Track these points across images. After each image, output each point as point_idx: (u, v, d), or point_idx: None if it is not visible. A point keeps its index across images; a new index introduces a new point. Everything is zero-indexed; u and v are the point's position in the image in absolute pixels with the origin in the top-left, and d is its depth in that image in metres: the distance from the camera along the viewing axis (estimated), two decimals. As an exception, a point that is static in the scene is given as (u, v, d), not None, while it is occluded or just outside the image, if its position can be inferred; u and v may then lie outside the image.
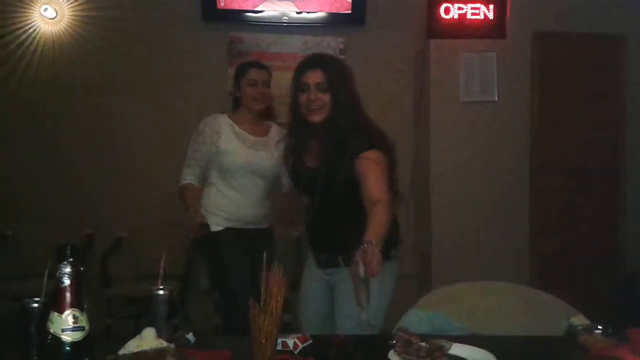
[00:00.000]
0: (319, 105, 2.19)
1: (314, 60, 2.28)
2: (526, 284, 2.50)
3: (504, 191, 4.09)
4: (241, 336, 1.50)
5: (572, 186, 4.15)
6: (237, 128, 2.95)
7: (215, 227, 2.92)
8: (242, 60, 4.27)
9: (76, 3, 4.28)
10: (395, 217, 2.26)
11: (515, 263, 4.00)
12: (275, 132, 3.01)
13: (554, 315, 1.81)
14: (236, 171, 2.89)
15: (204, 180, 2.94)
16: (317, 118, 2.21)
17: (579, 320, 1.70)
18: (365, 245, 1.86)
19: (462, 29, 4.16)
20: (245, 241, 2.95)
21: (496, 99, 4.10)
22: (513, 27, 4.17)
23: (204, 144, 2.93)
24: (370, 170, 2.13)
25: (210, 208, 2.95)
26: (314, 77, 2.20)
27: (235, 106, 2.99)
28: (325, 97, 2.19)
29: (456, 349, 1.52)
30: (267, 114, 3.09)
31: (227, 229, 2.93)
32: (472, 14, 4.18)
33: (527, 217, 4.13)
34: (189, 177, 2.92)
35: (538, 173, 4.14)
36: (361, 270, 1.75)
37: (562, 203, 4.15)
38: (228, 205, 2.91)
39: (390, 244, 2.14)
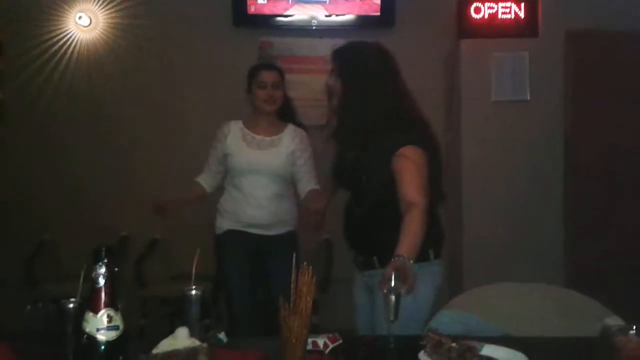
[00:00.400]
0: (334, 93, 2.18)
1: (335, 49, 2.28)
2: (560, 285, 2.47)
3: (537, 192, 4.03)
4: (272, 337, 1.52)
5: (607, 188, 4.06)
6: (245, 130, 2.99)
7: (217, 230, 3.03)
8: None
9: (110, 11, 4.36)
10: (438, 215, 2.19)
11: (549, 264, 3.93)
12: (289, 131, 3.02)
13: (588, 316, 1.78)
14: (240, 172, 2.94)
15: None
16: (332, 104, 2.19)
17: (614, 321, 1.67)
18: (396, 259, 1.82)
19: (493, 29, 4.13)
20: (251, 245, 2.97)
21: (528, 98, 4.05)
22: (545, 25, 4.11)
23: (214, 148, 3.03)
24: (406, 168, 2.03)
25: (220, 211, 3.04)
26: (332, 65, 2.22)
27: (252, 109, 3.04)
28: (338, 84, 2.16)
29: (488, 350, 1.51)
30: (286, 115, 3.08)
31: (230, 232, 2.98)
32: (503, 13, 4.14)
33: (561, 217, 4.07)
34: (198, 177, 3.06)
35: (572, 173, 4.07)
36: (390, 286, 1.68)
37: (596, 204, 4.06)
38: (231, 206, 2.97)
39: (429, 244, 2.06)
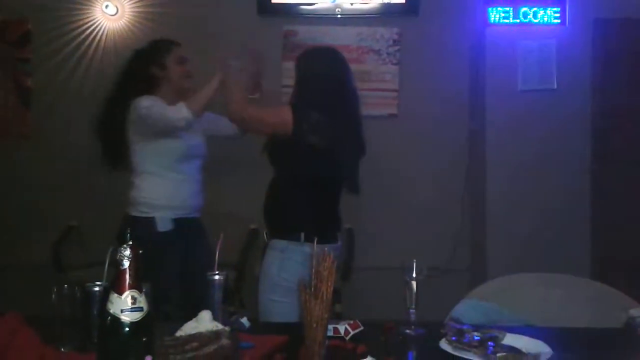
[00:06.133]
0: None
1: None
2: (585, 277, 2.45)
3: (563, 183, 3.98)
4: (293, 322, 1.54)
5: (634, 178, 4.00)
6: None
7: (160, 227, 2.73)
8: (297, 51, 4.33)
9: (136, 0, 4.40)
10: (320, 201, 2.43)
11: (575, 255, 3.89)
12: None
13: (612, 307, 1.77)
14: (180, 157, 2.79)
15: (134, 170, 2.80)
16: None
17: (639, 311, 1.66)
18: None
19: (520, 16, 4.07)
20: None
21: (555, 87, 4.00)
22: (572, 13, 4.04)
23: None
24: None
25: (155, 199, 2.77)
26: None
27: (147, 87, 2.80)
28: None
29: (510, 339, 1.51)
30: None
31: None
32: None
33: (587, 208, 4.01)
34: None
35: (599, 163, 4.01)
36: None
37: (624, 194, 4.00)
38: (174, 194, 2.76)
39: (300, 226, 2.34)
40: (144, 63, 2.87)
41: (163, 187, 2.75)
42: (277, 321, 2.21)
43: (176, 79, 2.86)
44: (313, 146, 2.35)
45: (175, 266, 2.68)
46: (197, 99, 2.65)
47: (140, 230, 2.67)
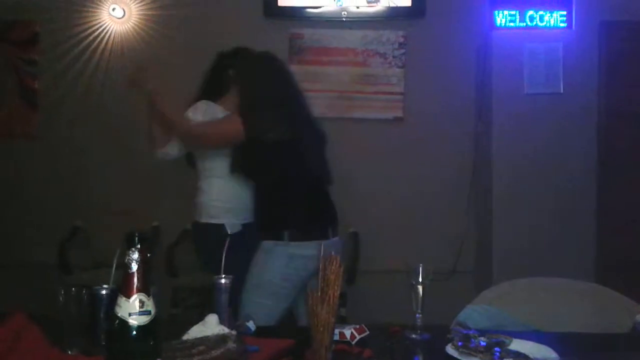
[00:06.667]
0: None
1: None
2: (591, 281, 2.44)
3: (568, 186, 3.97)
4: (300, 326, 1.54)
5: (640, 182, 3.99)
6: None
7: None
8: (304, 55, 4.33)
9: (143, 3, 4.42)
10: (300, 199, 2.44)
11: (580, 259, 3.88)
12: None
13: (618, 313, 1.76)
14: None
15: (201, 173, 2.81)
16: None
17: (646, 317, 1.65)
18: None
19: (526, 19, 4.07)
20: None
21: (562, 91, 3.99)
22: (579, 16, 4.04)
23: None
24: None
25: (224, 203, 2.77)
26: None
27: (215, 90, 2.84)
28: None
29: (516, 344, 1.50)
30: None
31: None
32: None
33: (593, 212, 4.00)
34: None
35: (605, 167, 4.00)
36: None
37: (629, 198, 3.99)
38: (241, 195, 2.74)
39: (283, 225, 2.38)
40: (221, 65, 2.93)
41: (230, 188, 2.74)
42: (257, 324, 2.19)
43: None
44: (272, 144, 2.38)
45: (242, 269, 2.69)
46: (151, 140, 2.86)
47: (211, 237, 2.69)
